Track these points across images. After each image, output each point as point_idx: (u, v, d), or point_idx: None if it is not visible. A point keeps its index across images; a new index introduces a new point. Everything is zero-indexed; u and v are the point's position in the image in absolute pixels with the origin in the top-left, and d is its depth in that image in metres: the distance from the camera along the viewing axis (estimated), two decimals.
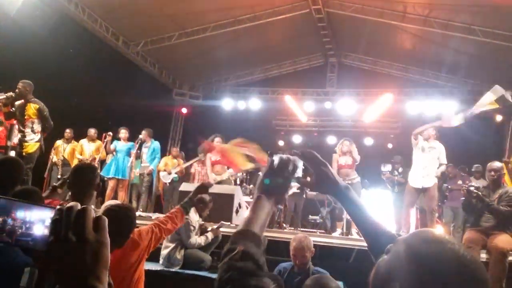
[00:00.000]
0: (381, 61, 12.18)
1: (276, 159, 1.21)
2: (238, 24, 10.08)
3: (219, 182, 7.25)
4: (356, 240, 5.83)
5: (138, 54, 10.77)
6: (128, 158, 7.81)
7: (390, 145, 12.48)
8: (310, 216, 9.73)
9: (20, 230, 0.77)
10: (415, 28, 9.63)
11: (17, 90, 6.09)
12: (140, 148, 8.12)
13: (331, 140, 12.37)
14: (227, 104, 12.32)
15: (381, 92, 11.64)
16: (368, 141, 12.56)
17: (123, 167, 7.75)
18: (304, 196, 9.03)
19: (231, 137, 9.52)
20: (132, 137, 8.13)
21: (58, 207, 0.73)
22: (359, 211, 1.24)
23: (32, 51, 7.63)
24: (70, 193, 3.11)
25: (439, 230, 6.99)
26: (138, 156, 8.20)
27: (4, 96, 6.16)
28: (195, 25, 10.18)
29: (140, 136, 7.98)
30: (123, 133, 8.00)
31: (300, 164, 1.22)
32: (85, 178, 2.99)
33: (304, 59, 12.77)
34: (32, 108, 6.13)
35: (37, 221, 0.77)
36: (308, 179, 1.30)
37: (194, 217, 5.15)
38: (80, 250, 0.69)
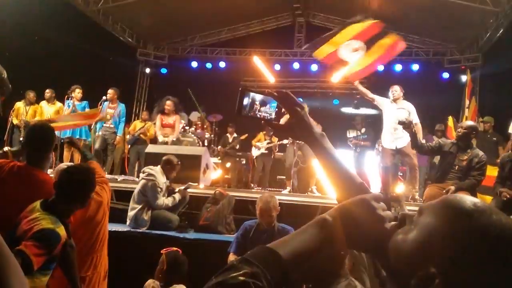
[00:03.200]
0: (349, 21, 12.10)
1: (246, 99, 1.15)
2: None
3: (166, 143, 7.21)
4: (320, 198, 6.00)
5: (98, 12, 10.29)
6: None
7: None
8: (278, 176, 9.88)
9: None
10: None
11: None
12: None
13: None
14: (193, 64, 12.07)
15: None
16: (335, 102, 12.66)
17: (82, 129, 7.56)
18: (272, 156, 9.16)
19: (199, 97, 9.52)
20: (94, 98, 7.88)
21: None
22: (333, 162, 1.14)
23: None
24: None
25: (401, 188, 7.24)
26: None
27: None
28: None
29: (109, 95, 7.76)
30: (78, 92, 7.76)
31: (273, 105, 1.16)
32: (40, 140, 2.89)
33: (272, 19, 12.57)
34: None
35: None
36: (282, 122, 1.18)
37: (161, 178, 5.13)
38: None
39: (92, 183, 2.56)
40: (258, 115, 1.15)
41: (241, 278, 0.72)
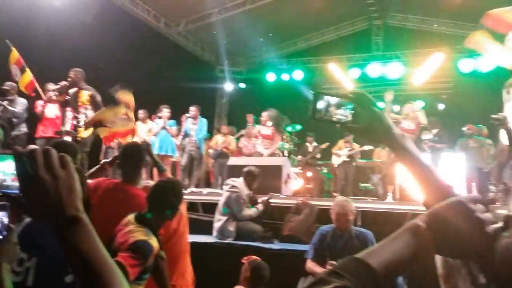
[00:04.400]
0: (429, 19, 11.55)
1: (321, 103, 1.09)
2: None
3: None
4: (408, 204, 5.71)
5: (179, 35, 10.88)
6: (169, 135, 8.02)
7: (441, 106, 11.91)
8: (361, 184, 9.61)
9: None
10: None
11: (69, 79, 6.34)
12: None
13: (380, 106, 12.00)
14: (270, 77, 12.23)
15: (431, 52, 11.10)
16: (419, 104, 12.06)
17: (166, 144, 7.94)
18: (354, 164, 8.94)
19: (277, 108, 9.62)
20: (176, 116, 8.31)
21: (14, 151, 0.78)
22: (418, 164, 1.06)
23: (78, 39, 7.92)
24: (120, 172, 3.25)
25: None
26: (187, 134, 8.34)
27: (59, 86, 6.46)
28: (234, 0, 10.11)
29: (191, 112, 8.15)
30: (166, 111, 8.18)
31: (349, 107, 1.10)
32: (133, 157, 3.11)
33: (348, 24, 12.37)
34: (85, 95, 6.38)
35: (7, 170, 0.83)
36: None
37: (244, 190, 5.23)
38: (55, 186, 0.76)
39: (180, 196, 2.68)
40: (334, 119, 1.09)
41: None
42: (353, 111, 1.09)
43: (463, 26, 11.06)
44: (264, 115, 8.10)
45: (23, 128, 6.77)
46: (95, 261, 0.79)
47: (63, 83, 6.36)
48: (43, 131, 6.91)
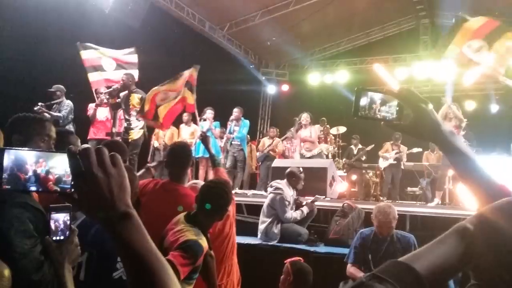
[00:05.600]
0: (480, 16, 11.04)
1: (364, 99, 1.06)
2: None
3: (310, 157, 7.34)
4: (458, 209, 5.48)
5: (224, 37, 11.01)
6: (213, 137, 8.11)
7: (495, 107, 11.37)
8: (408, 188, 9.33)
9: (51, 178, 0.86)
10: None
11: (121, 82, 6.56)
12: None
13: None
14: (313, 79, 12.13)
15: None
16: (470, 105, 11.57)
17: (212, 146, 8.04)
18: (402, 167, 8.69)
19: (321, 114, 9.53)
20: (221, 118, 8.41)
21: (68, 149, 0.80)
22: (469, 163, 1.00)
23: (125, 43, 8.20)
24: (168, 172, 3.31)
25: None
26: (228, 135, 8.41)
27: (111, 89, 6.70)
28: (278, 2, 10.11)
29: (234, 114, 8.23)
30: (210, 113, 8.29)
31: (394, 104, 1.06)
32: (180, 157, 3.16)
33: (394, 24, 12.07)
34: (135, 98, 6.57)
35: (61, 167, 0.86)
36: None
37: (288, 191, 5.21)
38: (107, 183, 0.79)
39: (229, 197, 2.70)
40: (378, 116, 1.05)
41: None
42: (398, 108, 1.05)
43: None
44: (304, 117, 8.05)
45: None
46: (145, 255, 0.79)
47: (115, 86, 6.58)
48: (94, 133, 7.18)
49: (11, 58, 6.64)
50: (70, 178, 0.85)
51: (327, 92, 11.78)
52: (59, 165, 0.88)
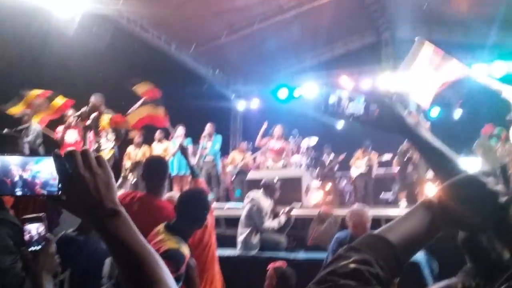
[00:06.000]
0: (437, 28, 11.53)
1: (332, 97, 1.09)
2: (284, 13, 10.05)
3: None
4: None
5: (191, 57, 11.07)
6: None
7: (458, 113, 11.76)
8: (382, 194, 9.51)
9: (37, 182, 0.89)
10: None
11: (90, 104, 6.50)
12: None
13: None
14: (282, 94, 12.30)
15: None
16: (434, 112, 11.96)
17: (185, 163, 8.02)
18: (373, 175, 8.88)
19: (292, 123, 9.65)
20: (192, 135, 8.44)
21: (54, 153, 0.84)
22: (432, 149, 1.05)
23: (92, 68, 8.14)
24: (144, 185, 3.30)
25: None
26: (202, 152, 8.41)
27: (79, 112, 6.61)
28: (242, 20, 10.28)
29: (208, 129, 8.27)
30: (181, 130, 8.31)
31: (360, 100, 1.10)
32: (157, 170, 3.16)
33: (356, 38, 12.44)
34: (106, 119, 6.51)
35: (47, 171, 0.89)
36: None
37: (264, 201, 5.24)
38: (94, 183, 0.82)
39: (208, 205, 2.72)
40: (346, 112, 1.10)
41: (352, 265, 0.71)
42: (365, 104, 1.10)
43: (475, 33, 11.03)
44: (275, 130, 8.24)
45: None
46: (137, 250, 0.82)
47: (84, 109, 6.51)
48: None
49: None
50: (56, 181, 0.86)
51: (296, 105, 11.95)
52: (45, 169, 0.89)
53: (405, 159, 7.64)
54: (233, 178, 8.80)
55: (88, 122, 6.44)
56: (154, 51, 10.13)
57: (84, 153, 0.84)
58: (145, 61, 9.76)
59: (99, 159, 0.86)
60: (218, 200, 8.49)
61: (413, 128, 1.07)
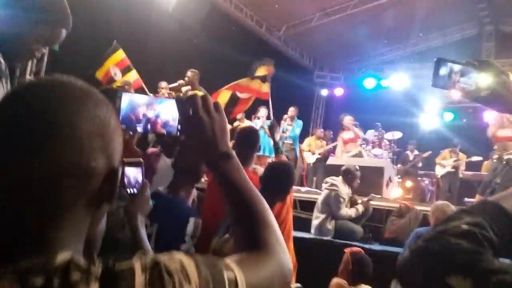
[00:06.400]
0: None
1: (443, 69, 1.09)
2: None
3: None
4: None
5: (280, 39, 11.10)
6: (266, 135, 8.14)
7: None
8: (466, 198, 8.92)
9: (159, 121, 0.94)
10: None
11: (186, 78, 6.74)
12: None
13: (488, 117, 11.06)
14: (369, 83, 11.93)
15: None
16: None
17: (264, 144, 8.07)
18: (460, 175, 8.34)
19: (376, 115, 9.36)
20: (276, 117, 8.46)
21: (177, 96, 0.89)
22: None
23: (186, 45, 8.45)
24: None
25: None
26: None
27: (177, 84, 6.89)
28: (335, 4, 10.08)
29: (290, 113, 8.27)
30: (263, 111, 8.35)
31: (473, 75, 1.04)
32: (248, 140, 3.22)
33: (456, 30, 11.66)
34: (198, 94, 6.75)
35: (168, 112, 0.93)
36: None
37: (343, 189, 5.16)
38: (211, 126, 0.85)
39: (292, 179, 2.73)
40: (457, 87, 1.05)
41: (465, 226, 0.69)
42: (478, 80, 1.03)
43: None
44: (346, 119, 8.05)
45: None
46: (247, 190, 0.86)
47: (180, 81, 6.75)
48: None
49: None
50: (176, 123, 0.92)
51: (382, 96, 11.54)
52: (167, 111, 0.95)
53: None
54: (310, 164, 8.77)
55: (181, 95, 6.71)
56: (245, 31, 10.30)
57: (204, 98, 0.88)
58: (237, 40, 9.96)
59: (217, 105, 0.90)
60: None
61: None
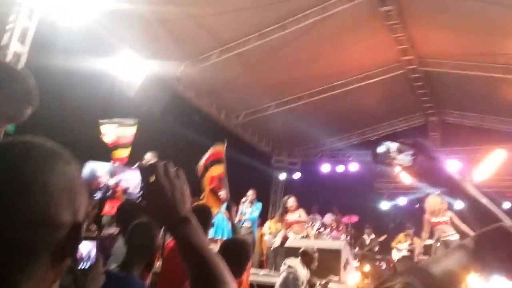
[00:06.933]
0: (487, 117, 11.48)
1: (381, 147, 1.17)
2: (331, 91, 10.38)
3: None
4: None
5: (239, 125, 11.46)
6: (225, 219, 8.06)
7: (508, 204, 11.29)
8: None
9: (119, 189, 1.00)
10: None
11: (144, 161, 6.76)
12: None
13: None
14: (324, 168, 12.32)
15: (491, 149, 10.85)
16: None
17: (222, 227, 7.93)
18: (415, 259, 8.42)
19: (332, 199, 9.54)
20: (233, 200, 8.44)
21: (139, 164, 0.98)
22: (477, 202, 1.10)
23: (147, 129, 8.56)
24: None
25: None
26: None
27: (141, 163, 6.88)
28: (291, 95, 10.67)
29: (248, 195, 8.28)
30: (223, 194, 8.32)
31: (409, 152, 1.15)
32: (202, 217, 3.21)
33: (402, 120, 12.53)
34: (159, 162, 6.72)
35: (129, 180, 0.99)
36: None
37: (302, 270, 5.09)
38: (171, 191, 0.91)
39: (248, 254, 2.71)
40: (394, 163, 1.16)
41: (398, 286, 0.80)
42: (413, 157, 1.15)
43: None
44: (290, 201, 8.16)
45: None
46: (206, 253, 0.90)
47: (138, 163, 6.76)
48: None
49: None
50: (137, 189, 0.97)
51: (338, 181, 11.88)
52: (127, 178, 1.01)
53: None
54: (271, 247, 8.64)
55: None
56: (204, 117, 10.60)
57: (165, 166, 0.94)
58: (197, 124, 10.20)
59: (177, 171, 0.96)
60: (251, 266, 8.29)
61: (460, 183, 1.11)
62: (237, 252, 2.62)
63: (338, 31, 8.50)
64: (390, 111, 12.01)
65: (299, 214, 8.06)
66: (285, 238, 8.61)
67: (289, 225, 8.01)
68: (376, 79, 9.98)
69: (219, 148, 6.55)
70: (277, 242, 8.47)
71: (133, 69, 8.29)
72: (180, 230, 0.90)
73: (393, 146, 1.18)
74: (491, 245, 0.87)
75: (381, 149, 1.19)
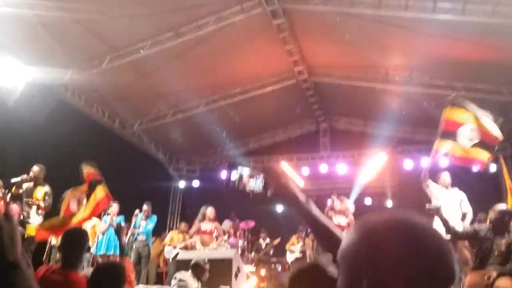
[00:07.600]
0: (371, 123, 12.51)
1: (234, 173, 1.23)
2: (229, 99, 10.56)
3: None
4: None
5: (134, 134, 11.12)
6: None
7: (389, 202, 12.42)
8: None
9: None
10: (399, 89, 10.04)
11: (31, 173, 6.29)
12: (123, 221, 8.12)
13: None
14: (223, 175, 12.46)
15: (375, 152, 11.86)
16: (367, 201, 12.53)
17: (114, 242, 7.67)
18: (308, 260, 8.89)
19: (230, 205, 9.68)
20: (130, 211, 8.19)
21: None
22: (317, 221, 1.21)
23: (30, 139, 7.92)
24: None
25: None
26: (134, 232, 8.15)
27: (20, 179, 6.33)
28: (188, 103, 10.64)
29: (144, 209, 8.07)
30: (115, 207, 8.03)
31: (260, 177, 1.23)
32: (74, 242, 3.08)
33: (296, 126, 13.15)
34: (41, 192, 6.31)
35: None
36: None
37: (193, 283, 5.10)
38: (0, 235, 0.87)
39: (122, 279, 2.66)
40: (247, 188, 1.23)
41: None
42: (264, 182, 1.23)
43: (400, 129, 12.04)
44: (209, 210, 8.08)
45: None
46: None
47: (23, 176, 6.29)
48: None
49: None
50: None
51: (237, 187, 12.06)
52: None
53: None
54: (170, 260, 8.49)
55: (20, 191, 6.19)
56: (97, 126, 10.09)
57: None
58: (88, 136, 9.67)
59: (6, 215, 0.92)
60: (147, 281, 8.10)
61: (305, 204, 1.20)
62: (109, 278, 2.55)
63: (235, 41, 8.68)
64: (285, 118, 12.53)
65: (215, 227, 7.92)
66: (186, 248, 8.46)
67: (201, 233, 7.80)
68: (272, 88, 10.37)
69: (90, 169, 6.19)
70: (174, 252, 8.35)
71: (12, 76, 7.63)
72: (8, 276, 0.86)
73: (245, 171, 1.24)
74: (305, 284, 0.95)
75: (234, 175, 1.24)
